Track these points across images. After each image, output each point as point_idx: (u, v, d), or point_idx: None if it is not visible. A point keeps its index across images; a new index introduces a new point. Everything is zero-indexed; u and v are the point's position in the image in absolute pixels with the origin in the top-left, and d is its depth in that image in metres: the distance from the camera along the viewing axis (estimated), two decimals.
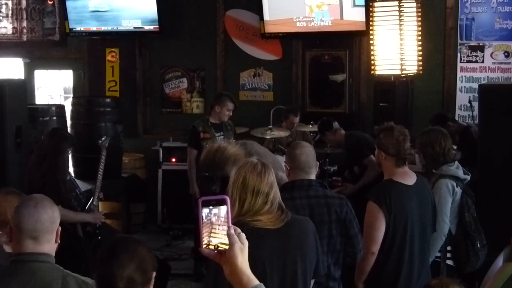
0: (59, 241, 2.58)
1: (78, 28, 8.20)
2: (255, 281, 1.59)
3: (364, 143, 6.03)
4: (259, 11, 7.54)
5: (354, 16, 7.09)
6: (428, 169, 4.34)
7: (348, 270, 3.62)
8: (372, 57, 6.62)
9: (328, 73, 7.66)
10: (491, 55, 7.15)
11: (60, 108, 6.66)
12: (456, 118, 7.05)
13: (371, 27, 6.58)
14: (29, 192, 4.45)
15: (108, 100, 7.28)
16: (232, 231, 1.60)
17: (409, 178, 3.74)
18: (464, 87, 7.27)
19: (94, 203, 5.03)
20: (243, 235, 1.62)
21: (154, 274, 2.19)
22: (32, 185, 4.65)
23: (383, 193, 3.64)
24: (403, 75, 6.59)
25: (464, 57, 7.25)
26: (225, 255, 1.59)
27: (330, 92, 7.63)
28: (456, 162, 4.30)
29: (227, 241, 1.59)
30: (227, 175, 3.06)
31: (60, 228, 2.59)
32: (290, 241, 2.76)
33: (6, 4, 8.61)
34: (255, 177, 2.70)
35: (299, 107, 7.45)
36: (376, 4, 6.56)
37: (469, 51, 7.22)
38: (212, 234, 1.59)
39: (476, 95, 6.42)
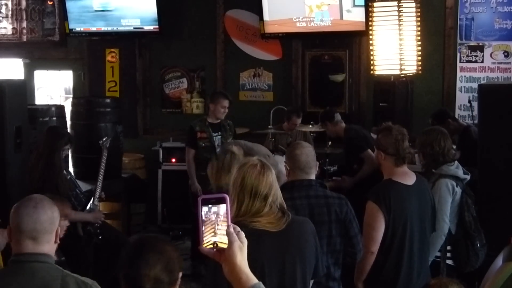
0: (58, 241, 2.58)
1: (78, 29, 8.20)
2: (254, 279, 1.60)
3: (363, 137, 6.08)
4: (259, 11, 7.54)
5: (354, 16, 7.09)
6: (428, 168, 4.35)
7: (348, 270, 3.63)
8: (371, 57, 6.61)
9: (328, 73, 7.66)
10: (490, 55, 7.15)
11: (60, 108, 6.67)
12: (456, 118, 7.04)
13: (370, 27, 6.58)
14: (29, 192, 4.48)
15: (108, 100, 7.28)
16: (232, 229, 1.60)
17: (408, 178, 3.75)
18: (464, 87, 7.27)
19: (95, 202, 5.04)
20: (242, 234, 1.62)
21: (180, 274, 2.15)
22: (32, 185, 4.67)
23: (382, 193, 3.65)
24: (403, 75, 6.59)
25: (463, 57, 7.25)
26: (224, 254, 1.60)
27: (330, 92, 7.63)
28: (456, 162, 4.30)
29: (226, 240, 1.59)
30: None
31: (59, 229, 2.59)
32: (289, 242, 2.75)
33: (6, 4, 8.61)
34: (253, 178, 2.70)
35: (299, 107, 7.45)
36: (375, 4, 6.56)
37: (469, 51, 7.22)
38: (211, 233, 1.60)
39: (475, 95, 6.42)
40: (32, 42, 8.61)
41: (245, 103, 7.84)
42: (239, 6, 7.90)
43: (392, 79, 6.60)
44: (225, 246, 1.59)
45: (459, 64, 7.27)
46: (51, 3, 8.45)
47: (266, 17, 7.50)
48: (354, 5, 7.06)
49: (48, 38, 8.56)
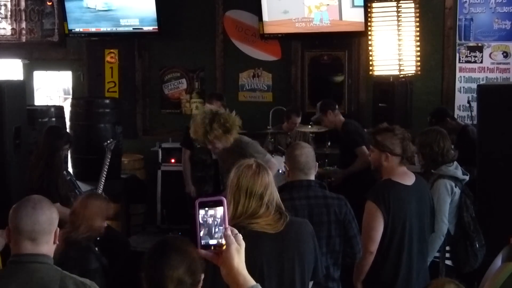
0: (57, 242, 2.58)
1: (77, 29, 8.19)
2: (251, 281, 1.60)
3: (360, 133, 6.12)
4: (258, 11, 7.54)
5: (353, 16, 7.09)
6: (427, 169, 4.35)
7: (347, 270, 3.63)
8: (370, 58, 6.62)
9: (328, 74, 7.66)
10: (489, 55, 7.16)
11: (59, 109, 6.67)
12: (455, 117, 7.04)
13: (369, 28, 6.58)
14: (29, 191, 4.48)
15: (107, 101, 7.28)
16: (229, 232, 1.60)
17: (408, 178, 3.75)
18: (463, 87, 7.27)
19: None
20: (240, 236, 1.62)
21: (202, 276, 2.14)
22: (32, 184, 4.67)
23: (382, 193, 3.65)
24: (402, 75, 6.59)
25: (463, 57, 7.25)
26: (222, 256, 1.60)
27: (329, 92, 7.63)
28: (455, 163, 4.31)
29: (223, 242, 1.59)
30: None
31: (58, 229, 2.59)
32: (288, 244, 2.75)
33: (5, 5, 8.61)
34: (248, 178, 2.70)
35: (299, 107, 7.45)
36: (374, 4, 6.56)
37: (468, 51, 7.22)
38: (208, 235, 1.60)
39: (475, 95, 6.42)
40: (31, 43, 8.60)
41: (245, 103, 7.84)
42: (238, 7, 7.90)
43: (391, 80, 6.60)
44: (223, 248, 1.59)
45: (458, 65, 7.27)
46: (50, 3, 8.45)
47: (265, 17, 7.50)
48: (353, 6, 7.06)
49: (47, 38, 8.55)
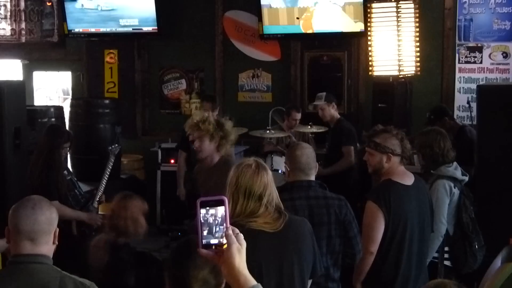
0: (57, 242, 2.57)
1: (76, 30, 8.20)
2: (252, 281, 1.59)
3: (353, 133, 6.14)
4: (257, 12, 7.54)
5: (353, 17, 7.08)
6: (427, 169, 4.34)
7: (347, 270, 3.62)
8: (370, 58, 6.62)
9: (327, 74, 7.66)
10: (489, 55, 7.16)
11: (59, 109, 6.68)
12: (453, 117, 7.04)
13: (369, 28, 6.58)
14: (29, 188, 4.48)
15: (106, 101, 7.29)
16: (230, 231, 1.60)
17: (407, 178, 3.74)
18: (463, 87, 7.27)
19: (94, 205, 5.02)
20: (241, 236, 1.62)
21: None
22: (32, 183, 4.67)
23: (382, 193, 3.64)
24: (402, 76, 6.60)
25: (462, 57, 7.25)
26: (223, 256, 1.59)
27: (329, 93, 7.61)
28: (455, 163, 4.31)
29: (224, 242, 1.59)
30: None
31: (58, 229, 2.58)
32: (287, 242, 2.75)
33: (5, 5, 8.61)
34: (247, 178, 2.69)
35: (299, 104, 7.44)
36: (374, 5, 6.56)
37: (468, 51, 7.22)
38: (209, 235, 1.59)
39: (474, 95, 6.42)
40: (31, 43, 8.60)
41: (244, 104, 7.84)
42: (238, 7, 7.90)
43: (391, 80, 6.60)
44: (224, 248, 1.59)
45: (458, 65, 7.27)
46: (50, 4, 8.45)
47: (265, 17, 7.49)
48: (353, 6, 7.05)
49: (47, 39, 8.55)
